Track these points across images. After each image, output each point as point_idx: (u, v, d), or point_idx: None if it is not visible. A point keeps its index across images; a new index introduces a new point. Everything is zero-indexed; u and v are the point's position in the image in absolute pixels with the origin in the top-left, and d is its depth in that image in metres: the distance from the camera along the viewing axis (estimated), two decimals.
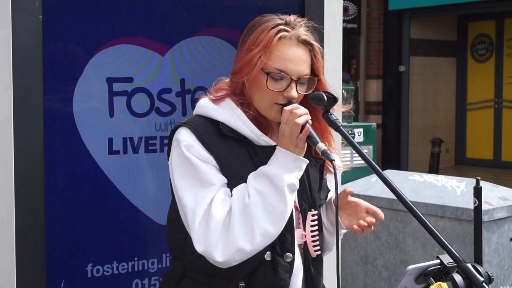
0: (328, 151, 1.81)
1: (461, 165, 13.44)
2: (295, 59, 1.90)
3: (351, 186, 4.46)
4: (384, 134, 12.90)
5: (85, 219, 2.55)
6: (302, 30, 1.93)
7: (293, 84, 1.90)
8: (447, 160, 12.98)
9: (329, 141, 2.04)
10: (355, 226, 1.96)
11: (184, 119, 2.14)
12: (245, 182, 1.87)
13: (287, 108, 1.85)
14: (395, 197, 1.77)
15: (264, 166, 1.85)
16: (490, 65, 13.21)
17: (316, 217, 2.02)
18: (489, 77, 13.17)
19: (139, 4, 2.61)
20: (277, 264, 1.91)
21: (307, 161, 1.87)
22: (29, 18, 2.33)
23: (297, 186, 1.85)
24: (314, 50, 1.95)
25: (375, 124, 8.41)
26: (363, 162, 1.84)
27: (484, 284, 1.62)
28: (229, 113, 1.93)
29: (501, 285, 3.81)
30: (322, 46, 2.01)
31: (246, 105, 1.94)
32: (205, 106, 1.98)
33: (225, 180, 1.89)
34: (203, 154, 1.88)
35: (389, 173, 4.51)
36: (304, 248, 2.00)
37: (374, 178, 4.38)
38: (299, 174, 1.85)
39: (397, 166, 12.33)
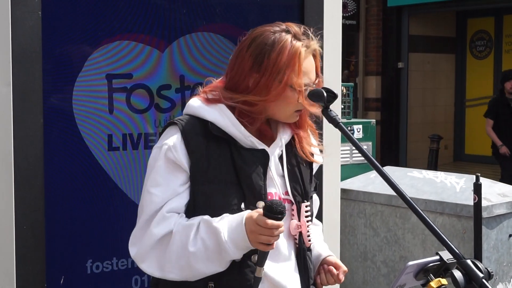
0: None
1: (459, 161, 13.43)
2: (312, 69, 1.96)
3: (351, 183, 4.45)
4: (383, 130, 12.89)
5: (84, 215, 2.55)
6: (316, 44, 1.98)
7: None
8: (446, 156, 12.98)
9: (305, 135, 2.06)
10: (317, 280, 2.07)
11: None
12: (222, 186, 1.89)
13: (275, 222, 1.79)
14: (394, 193, 1.78)
15: (221, 227, 1.84)
16: (489, 62, 13.20)
17: (309, 208, 2.04)
18: (488, 74, 13.16)
19: (138, 0, 2.60)
20: (244, 265, 1.92)
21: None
22: (29, 15, 2.33)
23: (240, 257, 1.88)
24: (317, 54, 2.00)
25: (374, 120, 8.41)
26: (362, 158, 1.84)
27: (483, 280, 1.63)
28: (218, 113, 1.93)
29: (500, 281, 3.82)
30: (322, 45, 2.02)
31: (250, 118, 1.94)
32: (195, 105, 1.97)
33: (180, 191, 1.90)
34: (179, 157, 1.89)
35: (388, 170, 4.51)
36: (299, 238, 2.01)
37: (373, 174, 4.38)
38: (244, 251, 1.88)
39: (396, 163, 12.32)
